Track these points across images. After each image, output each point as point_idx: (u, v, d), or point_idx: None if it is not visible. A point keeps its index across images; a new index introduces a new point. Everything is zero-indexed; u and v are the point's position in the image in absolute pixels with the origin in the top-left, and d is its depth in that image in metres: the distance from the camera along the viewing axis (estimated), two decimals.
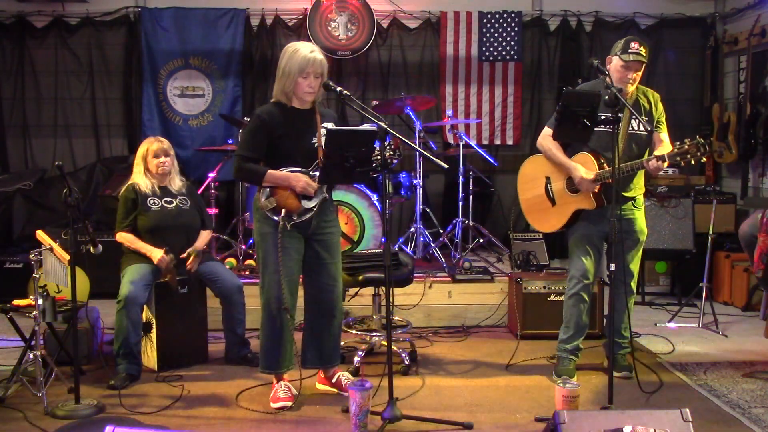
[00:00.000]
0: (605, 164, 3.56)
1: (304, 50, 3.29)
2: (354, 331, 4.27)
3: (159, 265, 3.84)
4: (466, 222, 5.73)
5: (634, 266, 3.76)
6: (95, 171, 6.40)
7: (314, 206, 3.35)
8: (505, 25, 6.62)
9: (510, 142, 6.75)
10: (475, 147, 5.69)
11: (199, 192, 4.69)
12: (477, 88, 6.68)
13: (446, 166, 3.37)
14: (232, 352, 4.08)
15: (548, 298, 4.57)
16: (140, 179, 4.01)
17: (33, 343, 3.40)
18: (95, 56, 6.53)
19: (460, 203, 5.67)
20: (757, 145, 5.97)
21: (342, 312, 3.61)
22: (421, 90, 6.66)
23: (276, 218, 3.29)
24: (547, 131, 3.74)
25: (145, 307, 3.86)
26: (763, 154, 6.00)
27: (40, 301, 3.42)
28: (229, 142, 5.69)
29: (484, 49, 6.64)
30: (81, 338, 3.76)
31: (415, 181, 5.43)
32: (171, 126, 6.54)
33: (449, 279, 4.98)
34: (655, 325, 4.94)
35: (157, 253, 3.84)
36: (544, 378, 3.81)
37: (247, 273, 5.05)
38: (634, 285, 3.82)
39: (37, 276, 3.40)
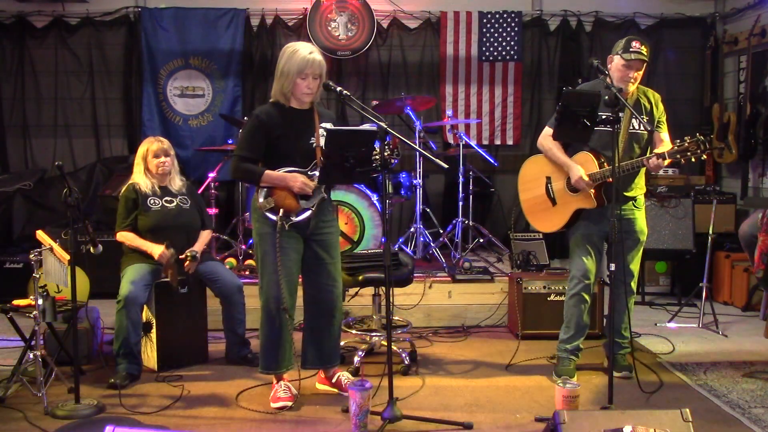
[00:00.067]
0: (605, 163, 3.56)
1: (303, 51, 3.28)
2: (354, 331, 4.27)
3: (160, 261, 3.83)
4: (466, 222, 5.73)
5: (635, 266, 3.76)
6: (95, 171, 6.39)
7: (312, 206, 3.35)
8: (505, 25, 6.62)
9: (510, 142, 6.75)
10: (475, 147, 5.69)
11: (199, 192, 4.69)
12: (477, 88, 6.68)
13: (446, 166, 3.38)
14: (233, 352, 4.08)
15: (548, 298, 4.57)
16: (140, 179, 4.01)
17: (33, 343, 3.40)
18: (95, 56, 6.53)
19: (460, 203, 5.67)
20: (757, 145, 5.97)
21: (342, 312, 3.61)
22: (421, 90, 6.66)
23: (274, 218, 3.29)
24: (547, 131, 3.74)
25: (145, 307, 3.86)
26: (763, 154, 6.00)
27: (40, 301, 3.42)
28: (229, 142, 5.69)
29: (484, 49, 6.64)
30: (81, 338, 3.77)
31: (415, 181, 5.43)
32: (171, 126, 6.54)
33: (449, 279, 4.98)
34: (655, 325, 4.94)
35: (157, 249, 3.84)
36: (544, 378, 3.81)
37: (247, 273, 5.05)
38: (634, 285, 3.82)
39: (37, 276, 3.40)
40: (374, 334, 4.11)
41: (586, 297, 3.73)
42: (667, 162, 3.42)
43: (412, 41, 6.72)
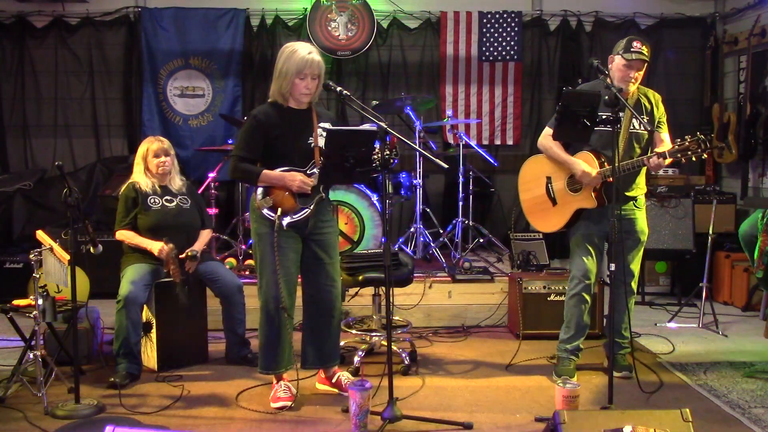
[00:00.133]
0: (606, 163, 3.56)
1: (302, 51, 3.28)
2: (354, 331, 4.27)
3: (160, 256, 3.83)
4: (466, 222, 5.73)
5: (635, 266, 3.76)
6: (95, 171, 6.40)
7: (310, 205, 3.35)
8: (505, 25, 6.62)
9: (510, 142, 6.75)
10: (475, 147, 5.69)
11: (199, 192, 4.69)
12: (477, 88, 6.68)
13: (446, 166, 3.38)
14: (233, 352, 4.08)
15: (548, 298, 4.57)
16: (140, 178, 4.01)
17: (33, 343, 3.40)
18: (95, 56, 6.53)
19: (460, 203, 5.67)
20: (757, 145, 5.97)
21: (340, 311, 3.61)
22: (421, 90, 6.66)
23: (272, 217, 3.29)
24: (547, 131, 3.74)
25: (145, 307, 3.86)
26: (763, 154, 6.00)
27: (40, 301, 3.42)
28: (229, 142, 5.69)
29: (484, 49, 6.64)
30: (81, 338, 3.77)
31: (415, 181, 5.43)
32: (171, 126, 6.54)
33: (449, 279, 4.98)
34: (655, 325, 4.94)
35: (156, 245, 3.84)
36: (544, 378, 3.81)
37: (247, 273, 5.05)
38: (634, 285, 3.82)
39: (37, 276, 3.40)
40: (374, 334, 4.11)
41: (587, 297, 3.73)
42: (668, 161, 3.42)
43: (412, 41, 6.72)
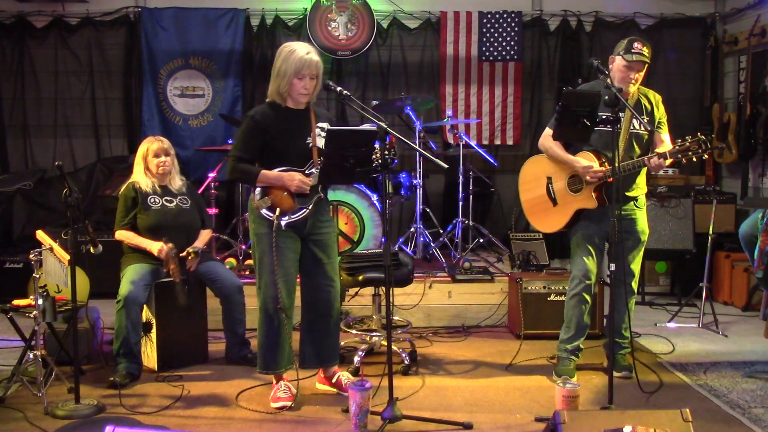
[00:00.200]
0: (606, 163, 3.56)
1: (301, 51, 3.28)
2: (354, 331, 4.27)
3: (159, 256, 3.83)
4: (466, 222, 5.73)
5: (635, 266, 3.76)
6: (95, 171, 6.40)
7: (309, 205, 3.35)
8: (505, 25, 6.62)
9: (510, 142, 6.74)
10: (475, 147, 5.69)
11: (199, 192, 4.69)
12: (477, 88, 6.68)
13: (446, 166, 3.37)
14: (232, 352, 4.08)
15: (548, 298, 4.57)
16: (140, 178, 4.01)
17: (33, 343, 3.41)
18: (95, 56, 6.54)
19: (460, 203, 5.66)
20: (757, 145, 5.97)
21: (339, 311, 3.60)
22: (421, 90, 6.66)
23: (270, 217, 3.29)
24: (548, 131, 3.74)
25: (145, 307, 3.86)
26: (763, 154, 5.99)
27: (40, 301, 3.42)
28: (229, 142, 5.67)
29: (484, 49, 6.64)
30: (81, 338, 3.77)
31: (415, 181, 5.43)
32: (171, 126, 6.54)
33: (449, 279, 4.98)
34: (655, 325, 4.94)
35: (156, 245, 3.84)
36: (544, 378, 3.81)
37: (247, 273, 5.05)
38: (635, 285, 3.83)
39: (37, 276, 3.40)
40: (374, 334, 4.11)
41: (587, 297, 3.73)
42: (668, 162, 3.42)
43: (412, 41, 6.72)
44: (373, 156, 3.08)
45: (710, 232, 4.96)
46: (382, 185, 3.31)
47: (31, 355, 3.39)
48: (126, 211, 3.96)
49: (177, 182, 4.10)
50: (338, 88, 3.26)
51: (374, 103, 6.00)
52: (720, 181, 6.68)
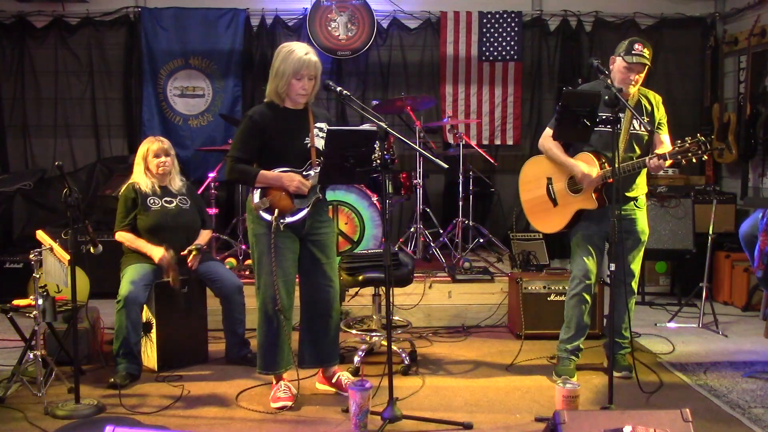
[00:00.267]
0: (606, 164, 3.56)
1: (299, 52, 3.27)
2: (354, 331, 4.27)
3: (160, 264, 3.83)
4: (466, 222, 5.73)
5: (636, 266, 3.76)
6: (95, 171, 6.40)
7: (308, 206, 3.35)
8: (505, 25, 6.62)
9: (510, 142, 6.75)
10: (476, 147, 5.69)
11: (199, 192, 4.69)
12: (477, 88, 6.68)
13: (446, 166, 3.37)
14: (232, 352, 4.08)
15: (548, 298, 4.57)
16: (140, 179, 4.01)
17: (33, 343, 3.40)
18: (95, 56, 6.54)
19: (460, 203, 5.67)
20: (757, 145, 5.97)
21: (338, 311, 3.60)
22: (421, 90, 6.66)
23: (269, 218, 3.29)
24: (548, 132, 3.73)
25: (145, 307, 3.86)
26: (763, 154, 6.00)
27: (40, 301, 3.41)
28: (229, 142, 5.68)
29: (484, 49, 6.64)
30: (81, 338, 3.76)
31: (415, 181, 5.43)
32: (171, 126, 6.54)
33: (449, 279, 4.98)
34: (655, 325, 4.94)
35: (157, 252, 3.84)
36: (544, 378, 3.81)
37: (247, 273, 5.05)
38: (635, 285, 3.82)
39: (37, 276, 3.40)
40: (374, 334, 4.11)
41: (587, 297, 3.73)
42: (668, 163, 3.42)
43: (412, 41, 6.72)
44: (373, 156, 3.08)
45: (710, 232, 4.96)
46: (382, 185, 3.31)
47: (31, 355, 3.39)
48: (126, 212, 3.95)
49: (177, 182, 4.10)
50: (338, 88, 3.25)
51: (374, 103, 6.00)
52: (720, 181, 6.68)
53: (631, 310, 3.80)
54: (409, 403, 3.42)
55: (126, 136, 6.62)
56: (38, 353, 3.37)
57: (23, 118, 6.53)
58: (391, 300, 3.18)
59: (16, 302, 3.70)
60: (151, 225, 3.92)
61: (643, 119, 3.53)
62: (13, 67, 6.46)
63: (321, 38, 6.43)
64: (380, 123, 3.13)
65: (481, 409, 3.37)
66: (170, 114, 6.56)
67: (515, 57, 6.65)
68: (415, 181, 5.43)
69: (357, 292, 4.67)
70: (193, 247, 3.94)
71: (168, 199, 4.02)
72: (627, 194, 3.66)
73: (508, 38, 6.63)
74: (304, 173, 3.33)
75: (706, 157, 3.26)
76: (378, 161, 3.06)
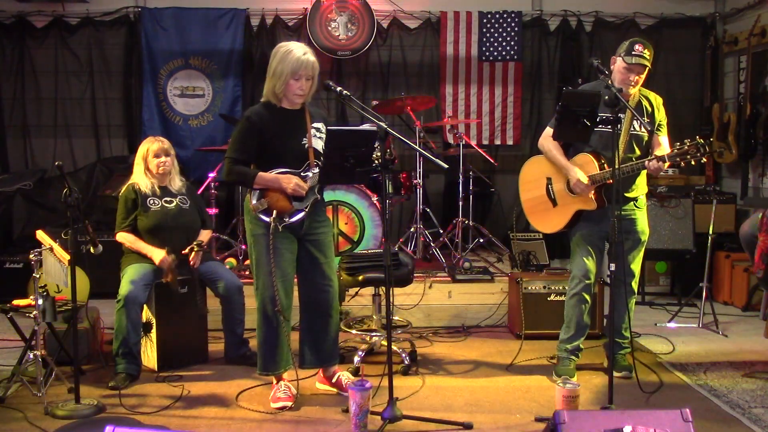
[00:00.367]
0: (606, 165, 3.56)
1: (297, 52, 3.26)
2: (354, 331, 4.27)
3: (161, 266, 3.83)
4: (466, 222, 5.73)
5: (636, 266, 3.76)
6: (95, 171, 6.40)
7: (306, 207, 3.35)
8: (505, 25, 6.62)
9: (510, 142, 6.75)
10: (476, 147, 5.69)
11: (199, 192, 4.69)
12: (477, 88, 6.68)
13: (446, 166, 3.37)
14: (231, 351, 4.08)
15: (548, 298, 4.57)
16: (140, 179, 4.01)
17: (33, 343, 3.41)
18: (95, 56, 6.54)
19: (460, 203, 5.67)
20: (757, 145, 5.97)
21: (338, 311, 3.60)
22: (421, 90, 6.66)
23: (267, 219, 3.28)
24: (548, 131, 3.74)
25: (145, 307, 3.86)
26: (763, 154, 6.00)
27: (40, 301, 3.41)
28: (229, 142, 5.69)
29: (484, 49, 6.64)
30: (81, 338, 3.76)
31: (415, 181, 5.43)
32: (171, 126, 6.54)
33: (449, 279, 4.98)
34: (655, 325, 4.94)
35: (158, 254, 3.84)
36: (544, 378, 3.81)
37: (247, 273, 5.05)
38: (635, 285, 3.82)
39: (37, 276, 3.40)
40: (374, 334, 4.11)
41: (587, 297, 3.73)
42: (666, 165, 3.42)
43: (412, 41, 6.72)
44: (373, 156, 3.07)
45: (710, 232, 4.96)
46: (382, 185, 3.31)
47: (31, 355, 3.40)
48: (126, 213, 3.95)
49: (177, 183, 4.10)
50: (338, 88, 3.25)
51: (374, 103, 6.00)
52: (720, 181, 6.68)
53: (631, 310, 3.80)
54: (409, 403, 3.42)
55: (126, 136, 6.62)
56: (38, 353, 3.37)
57: (23, 118, 6.53)
58: (391, 300, 3.19)
59: (16, 302, 3.70)
60: (151, 225, 3.92)
61: (644, 120, 3.53)
62: (13, 67, 6.46)
63: (321, 38, 6.43)
64: (380, 123, 3.13)
65: (481, 409, 3.37)
66: (170, 114, 6.56)
67: (515, 57, 6.65)
68: (415, 181, 5.43)
69: (357, 292, 4.67)
70: (195, 244, 3.93)
71: (168, 199, 4.02)
72: (627, 195, 3.66)
73: (508, 38, 6.63)
74: (302, 174, 3.33)
75: (704, 159, 3.26)
76: (378, 161, 3.06)
